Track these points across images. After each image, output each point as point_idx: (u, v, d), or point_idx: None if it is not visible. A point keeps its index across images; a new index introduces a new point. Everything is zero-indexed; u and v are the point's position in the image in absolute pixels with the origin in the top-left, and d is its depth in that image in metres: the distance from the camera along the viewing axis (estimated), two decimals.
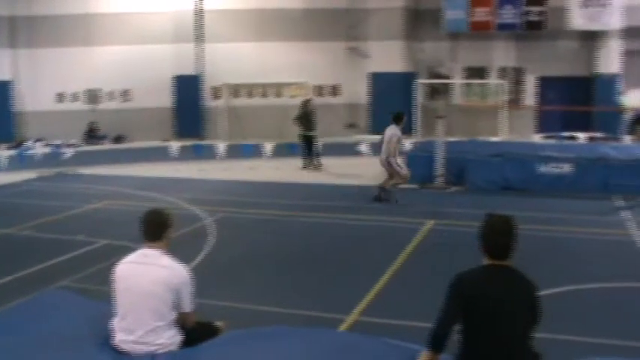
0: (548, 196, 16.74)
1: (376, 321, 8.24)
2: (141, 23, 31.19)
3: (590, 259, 11.26)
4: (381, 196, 16.42)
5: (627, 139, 26.73)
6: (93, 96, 31.73)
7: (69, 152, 25.11)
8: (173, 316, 5.58)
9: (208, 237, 12.66)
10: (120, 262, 5.72)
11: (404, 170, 16.53)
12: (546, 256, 11.15)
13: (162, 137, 30.25)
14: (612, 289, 9.56)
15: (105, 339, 5.69)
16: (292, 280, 10.23)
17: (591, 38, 30.16)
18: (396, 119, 16.49)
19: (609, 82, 29.40)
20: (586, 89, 30.18)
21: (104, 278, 6.35)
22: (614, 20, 28.97)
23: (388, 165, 16.28)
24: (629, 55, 29.70)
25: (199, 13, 31.63)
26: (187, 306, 5.61)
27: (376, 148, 24.08)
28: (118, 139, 31.17)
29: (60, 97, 31.61)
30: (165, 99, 31.57)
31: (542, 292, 5.23)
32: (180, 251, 6.24)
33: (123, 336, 5.56)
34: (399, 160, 16.64)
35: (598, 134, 27.46)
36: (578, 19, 29.46)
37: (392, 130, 16.23)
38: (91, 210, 15.58)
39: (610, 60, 29.82)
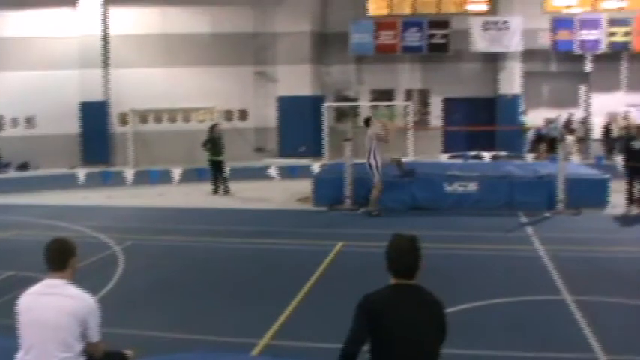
0: (455, 215, 17.08)
1: (288, 344, 8.27)
2: (45, 48, 30.59)
3: (497, 275, 11.53)
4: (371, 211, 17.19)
5: (529, 157, 27.52)
6: None
7: None
8: (80, 346, 5.44)
9: (117, 265, 12.44)
10: (24, 293, 5.57)
11: (377, 177, 17.10)
12: (455, 273, 11.37)
13: (69, 165, 29.66)
14: (519, 302, 9.80)
15: None
16: (203, 306, 10.14)
17: (493, 60, 31.09)
18: (366, 123, 17.74)
19: (511, 103, 30.32)
20: (489, 109, 31.06)
21: (9, 311, 6.17)
22: (514, 43, 29.97)
23: (369, 168, 17.02)
24: (528, 76, 30.77)
25: (105, 39, 31.27)
26: (95, 336, 5.49)
27: (285, 172, 24.26)
28: (23, 167, 30.42)
29: None
30: (71, 125, 31.02)
31: (451, 309, 5.35)
32: (88, 280, 6.15)
33: None
34: (379, 164, 17.04)
35: (502, 153, 28.23)
36: (481, 42, 30.35)
37: (368, 134, 17.28)
38: None
39: (511, 81, 30.80)
